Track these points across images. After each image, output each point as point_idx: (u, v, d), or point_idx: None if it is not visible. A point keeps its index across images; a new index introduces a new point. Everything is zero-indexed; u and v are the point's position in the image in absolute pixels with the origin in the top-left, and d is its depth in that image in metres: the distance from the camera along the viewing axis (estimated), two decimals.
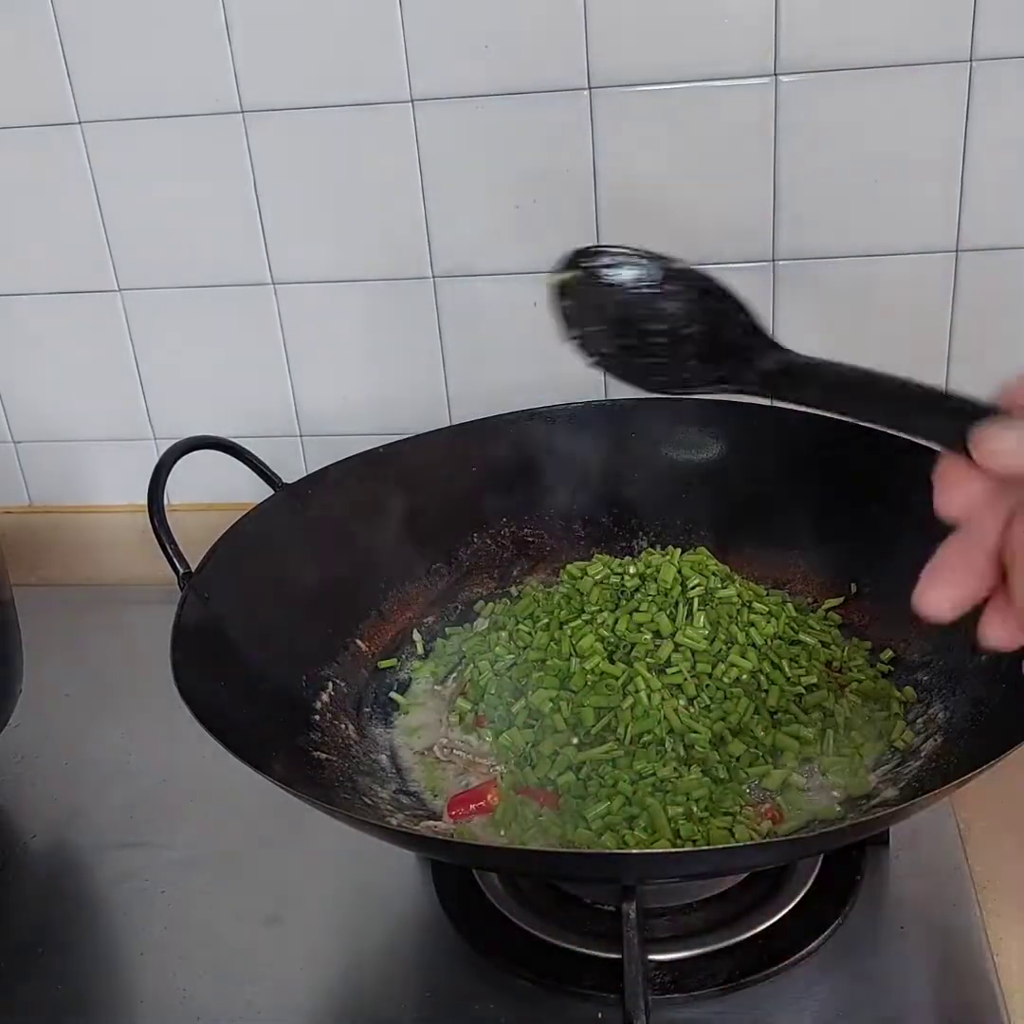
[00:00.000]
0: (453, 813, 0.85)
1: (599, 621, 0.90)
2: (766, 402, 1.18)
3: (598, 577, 0.94)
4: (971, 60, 1.00)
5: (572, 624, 0.91)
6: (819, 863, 0.85)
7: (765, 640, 0.90)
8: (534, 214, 1.11)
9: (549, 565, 1.08)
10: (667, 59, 1.03)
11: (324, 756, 0.89)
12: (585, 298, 0.61)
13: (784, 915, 0.82)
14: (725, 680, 0.87)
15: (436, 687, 0.99)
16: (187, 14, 1.07)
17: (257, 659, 0.89)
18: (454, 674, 0.99)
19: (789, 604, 0.97)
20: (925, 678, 0.90)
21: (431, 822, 0.85)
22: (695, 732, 0.84)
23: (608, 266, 0.61)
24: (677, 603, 0.90)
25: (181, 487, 1.13)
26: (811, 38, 1.01)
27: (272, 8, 1.06)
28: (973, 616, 0.86)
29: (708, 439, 1.05)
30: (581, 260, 0.61)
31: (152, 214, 1.16)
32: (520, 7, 1.03)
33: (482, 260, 1.14)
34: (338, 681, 0.97)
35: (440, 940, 0.83)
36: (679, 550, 0.97)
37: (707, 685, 0.87)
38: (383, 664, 1.00)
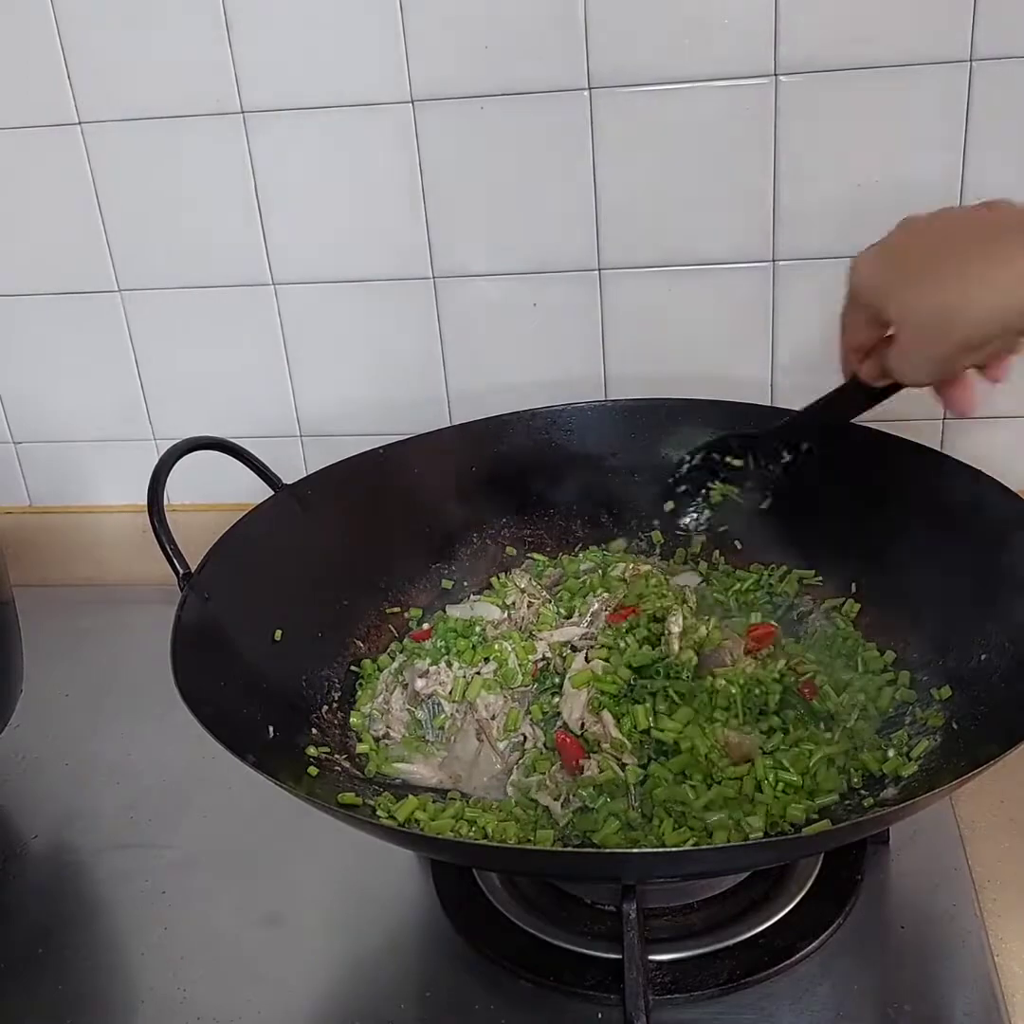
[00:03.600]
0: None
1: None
2: (764, 402, 1.18)
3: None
4: (971, 60, 1.00)
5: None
6: (819, 863, 0.85)
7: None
8: (534, 214, 1.11)
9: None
10: (667, 59, 1.03)
11: (324, 755, 0.89)
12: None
13: (784, 915, 0.82)
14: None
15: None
16: (187, 14, 1.07)
17: (257, 659, 0.89)
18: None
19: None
20: (925, 678, 0.90)
21: None
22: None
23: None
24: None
25: (181, 487, 1.13)
26: (811, 38, 1.01)
27: (272, 8, 1.06)
28: (973, 617, 0.87)
29: (708, 439, 1.04)
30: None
31: (152, 214, 1.16)
32: (520, 7, 1.03)
33: (482, 260, 1.14)
34: (338, 680, 0.97)
35: (440, 940, 0.84)
36: None
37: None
38: (382, 663, 1.00)
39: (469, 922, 0.84)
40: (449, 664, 0.94)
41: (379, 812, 0.84)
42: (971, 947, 0.79)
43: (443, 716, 0.92)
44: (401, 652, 1.00)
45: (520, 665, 0.93)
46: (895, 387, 0.80)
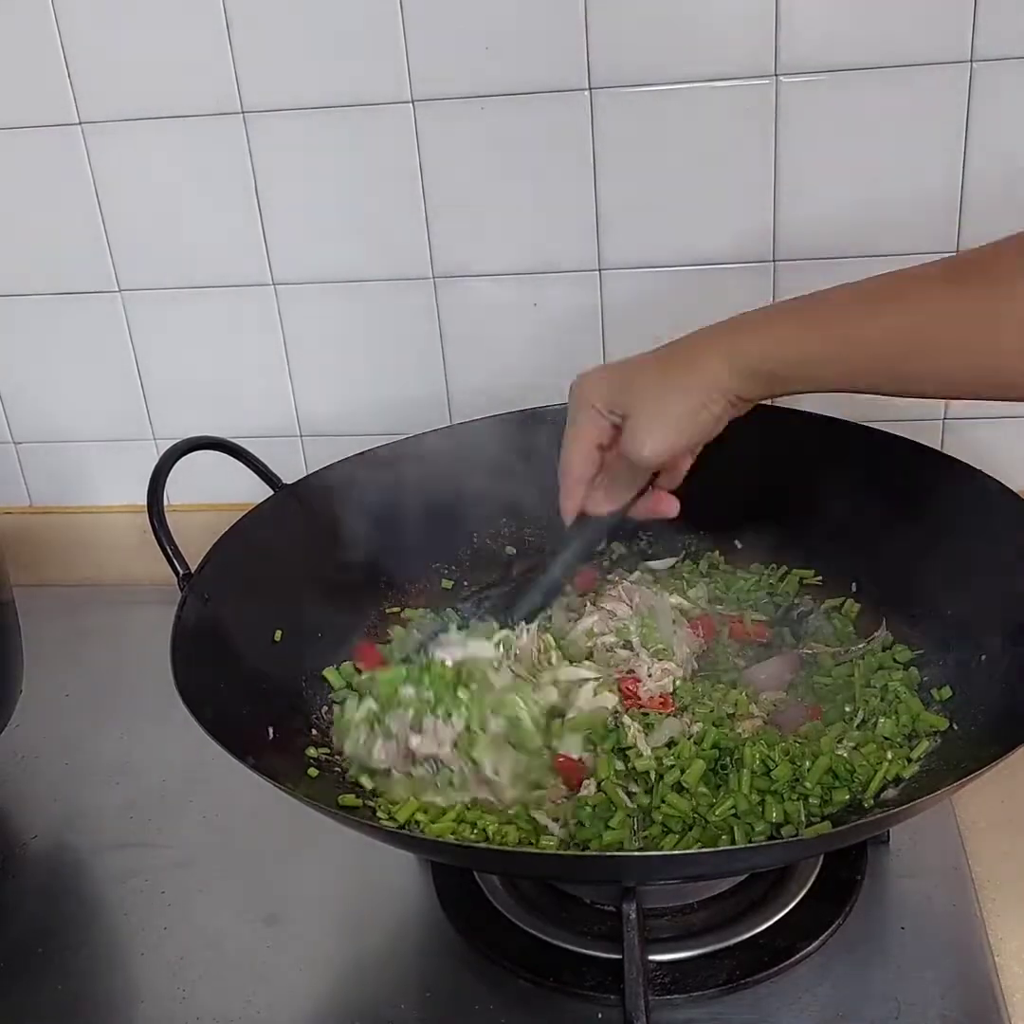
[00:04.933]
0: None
1: None
2: (767, 403, 1.18)
3: None
4: (971, 60, 1.00)
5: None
6: (819, 863, 0.85)
7: None
8: (534, 214, 1.11)
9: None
10: (667, 59, 1.03)
11: (324, 756, 0.89)
12: None
13: (784, 915, 0.82)
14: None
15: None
16: (187, 14, 1.07)
17: (257, 659, 0.89)
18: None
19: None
20: (925, 679, 0.90)
21: None
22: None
23: None
24: None
25: (181, 487, 1.13)
26: (811, 38, 1.01)
27: (272, 8, 1.06)
28: (973, 617, 0.87)
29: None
30: None
31: (152, 214, 1.16)
32: (520, 7, 1.03)
33: (482, 260, 1.14)
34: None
35: (440, 940, 0.84)
36: None
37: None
38: None
39: (469, 922, 0.84)
40: (448, 715, 0.83)
41: (379, 814, 0.84)
42: (971, 947, 0.79)
43: (449, 774, 0.82)
44: (366, 691, 0.88)
45: (534, 721, 0.84)
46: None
